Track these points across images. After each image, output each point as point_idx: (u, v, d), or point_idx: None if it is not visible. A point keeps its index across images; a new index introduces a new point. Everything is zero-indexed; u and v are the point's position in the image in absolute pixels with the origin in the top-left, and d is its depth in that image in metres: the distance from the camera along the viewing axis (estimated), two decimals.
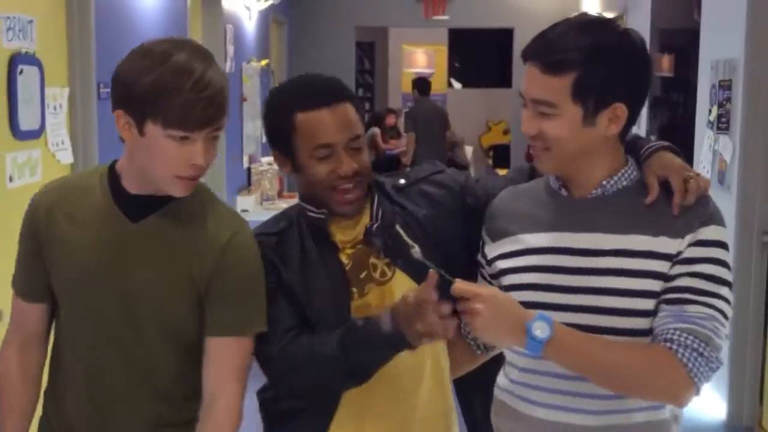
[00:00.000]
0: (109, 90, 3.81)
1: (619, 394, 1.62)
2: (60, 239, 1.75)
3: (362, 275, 1.85)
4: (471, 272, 1.83)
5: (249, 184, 6.79)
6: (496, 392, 1.80)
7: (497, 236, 1.78)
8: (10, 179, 3.03)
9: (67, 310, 1.80)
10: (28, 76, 3.11)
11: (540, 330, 1.53)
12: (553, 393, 1.66)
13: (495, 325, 1.56)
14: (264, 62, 7.44)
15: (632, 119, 1.66)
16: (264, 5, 7.19)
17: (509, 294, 1.68)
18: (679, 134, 6.17)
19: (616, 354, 1.56)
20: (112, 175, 1.77)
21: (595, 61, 1.59)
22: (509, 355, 1.76)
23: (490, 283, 1.80)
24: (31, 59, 3.14)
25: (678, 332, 1.55)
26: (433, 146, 9.28)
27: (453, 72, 14.83)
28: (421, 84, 10.00)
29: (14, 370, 1.86)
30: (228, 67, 6.13)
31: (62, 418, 1.85)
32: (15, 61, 3.03)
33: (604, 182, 1.67)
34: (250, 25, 7.02)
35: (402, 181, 1.92)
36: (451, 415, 1.92)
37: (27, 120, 3.12)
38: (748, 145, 4.44)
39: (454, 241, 1.87)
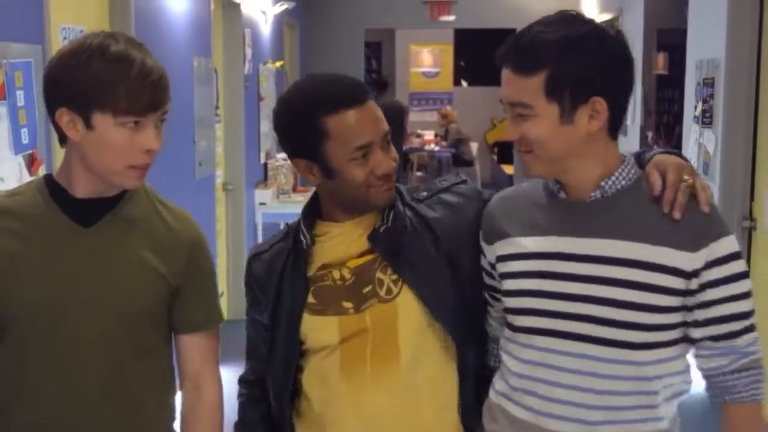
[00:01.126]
0: None
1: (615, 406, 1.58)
2: (8, 262, 1.66)
3: (366, 290, 1.76)
4: (475, 280, 1.80)
5: (265, 178, 7.11)
6: (492, 396, 1.74)
7: (493, 238, 1.72)
8: None
9: (22, 333, 1.67)
10: None
11: None
12: (551, 401, 1.62)
13: None
14: (279, 63, 7.76)
15: (617, 113, 1.59)
16: (279, 10, 7.50)
17: (509, 299, 1.66)
18: (673, 130, 6.47)
19: None
20: (51, 187, 1.71)
21: (566, 57, 1.53)
22: (508, 361, 1.70)
23: (494, 292, 1.77)
24: None
25: (737, 377, 1.58)
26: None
27: (459, 71, 15.12)
28: (379, 82, 10.59)
29: None
30: (246, 68, 6.43)
31: None
32: None
33: (603, 183, 1.60)
34: (266, 28, 7.33)
35: (424, 193, 1.86)
36: None
37: None
38: (729, 138, 4.75)
39: (462, 245, 1.79)
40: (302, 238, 1.78)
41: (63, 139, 1.68)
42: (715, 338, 1.57)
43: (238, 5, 6.22)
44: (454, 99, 14.66)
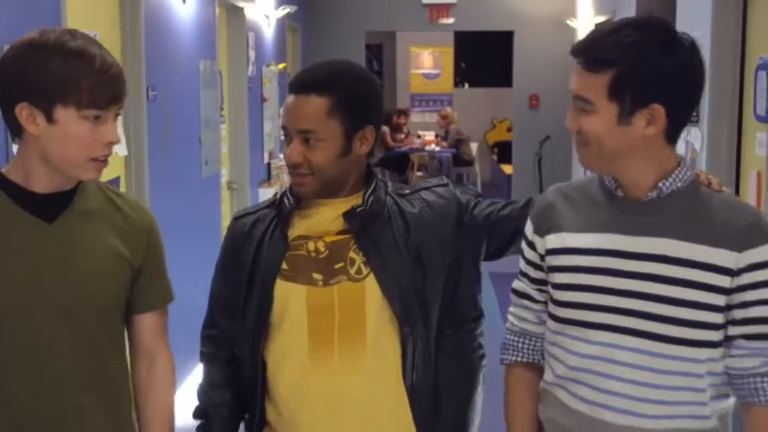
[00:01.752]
0: (156, 92, 4.38)
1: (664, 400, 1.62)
2: None
3: (337, 266, 1.83)
4: (437, 279, 1.86)
5: (269, 177, 7.30)
6: (544, 385, 1.78)
7: (546, 231, 1.74)
8: None
9: None
10: None
11: None
12: (605, 393, 1.65)
13: None
14: (281, 65, 7.93)
15: (677, 121, 1.62)
16: (281, 14, 7.68)
17: (561, 293, 1.69)
18: None
19: None
20: (3, 185, 1.69)
21: (633, 61, 1.56)
22: (558, 352, 1.73)
23: (540, 284, 1.79)
24: None
25: (766, 380, 1.60)
26: None
27: (459, 72, 15.29)
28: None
29: None
30: (250, 70, 6.61)
31: None
32: None
33: (660, 184, 1.63)
34: (269, 32, 7.51)
35: (407, 190, 1.95)
36: None
37: None
38: (714, 135, 4.94)
39: (431, 243, 1.86)
40: (285, 200, 1.88)
41: (17, 134, 1.67)
42: (749, 337, 1.60)
43: (242, 9, 6.41)
44: (454, 100, 14.85)
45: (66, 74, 1.59)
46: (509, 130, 13.53)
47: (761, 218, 1.63)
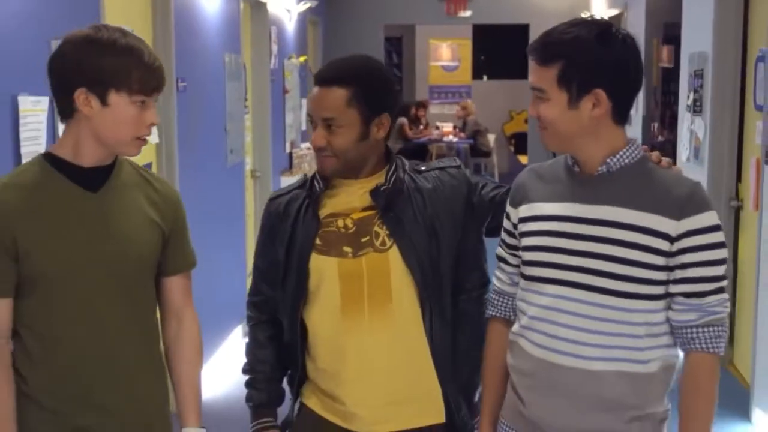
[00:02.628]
0: (185, 84, 4.60)
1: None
2: (32, 230, 1.87)
3: (364, 239, 2.08)
4: (450, 249, 2.10)
5: (290, 166, 7.50)
6: (510, 336, 2.00)
7: (519, 203, 1.99)
8: None
9: (48, 289, 1.89)
10: None
11: None
12: (556, 339, 1.88)
13: None
14: (302, 58, 8.13)
15: (620, 104, 1.85)
16: (302, 8, 7.86)
17: (528, 254, 1.92)
18: (676, 120, 6.75)
19: (705, 410, 1.84)
20: (51, 161, 1.93)
21: (575, 54, 1.81)
22: (522, 306, 1.96)
23: (513, 250, 2.01)
24: None
25: (701, 331, 1.83)
26: None
27: (478, 64, 15.41)
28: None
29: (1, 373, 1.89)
30: (272, 63, 6.80)
31: (65, 391, 1.92)
32: None
33: (608, 160, 1.86)
34: (290, 25, 7.70)
35: (423, 167, 2.18)
36: None
37: None
38: (716, 124, 5.11)
39: (444, 217, 2.10)
40: (316, 184, 2.14)
41: (68, 116, 1.91)
42: (687, 295, 1.83)
43: (264, 5, 6.61)
44: (472, 92, 15.01)
45: (120, 66, 1.86)
46: (527, 121, 13.67)
47: (699, 190, 1.84)
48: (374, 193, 2.09)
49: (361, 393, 2.11)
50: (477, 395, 2.20)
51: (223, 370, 4.78)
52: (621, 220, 1.83)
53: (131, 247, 1.97)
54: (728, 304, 1.86)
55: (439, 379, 2.13)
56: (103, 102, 1.87)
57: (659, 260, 1.82)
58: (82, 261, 1.91)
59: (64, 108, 1.92)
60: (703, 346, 1.84)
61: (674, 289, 1.85)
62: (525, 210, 1.97)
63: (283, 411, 2.27)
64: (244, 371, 2.27)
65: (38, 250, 1.87)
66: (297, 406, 2.24)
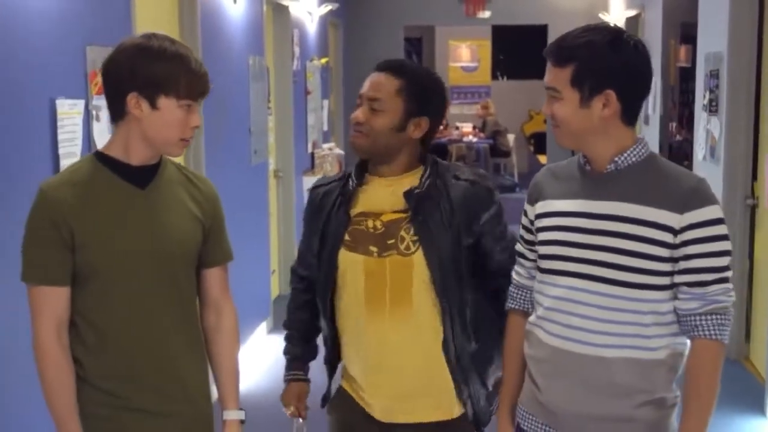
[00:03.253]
0: (212, 86, 4.71)
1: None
2: (88, 224, 1.99)
3: (390, 241, 2.20)
4: (468, 256, 2.23)
5: (312, 166, 7.61)
6: (527, 326, 2.10)
7: (535, 200, 2.09)
8: None
9: (103, 283, 2.01)
10: None
11: None
12: (569, 328, 1.97)
13: None
14: (324, 60, 8.24)
15: (630, 106, 1.95)
16: (324, 11, 7.97)
17: (543, 248, 2.02)
18: (692, 119, 6.81)
19: (706, 392, 1.92)
20: (103, 160, 2.05)
21: (588, 57, 1.92)
22: (539, 297, 2.06)
23: (530, 245, 2.11)
24: None
25: (704, 318, 1.91)
26: None
27: (497, 65, 15.46)
28: None
29: (63, 360, 2.00)
30: (295, 65, 6.92)
31: (119, 376, 2.04)
32: None
33: (616, 158, 1.96)
34: (312, 28, 7.81)
35: (458, 174, 2.26)
36: None
37: None
38: (731, 124, 5.16)
39: (468, 227, 2.22)
40: (350, 182, 2.28)
41: (119, 117, 2.02)
42: (690, 284, 1.91)
43: (287, 8, 6.73)
44: (492, 92, 15.07)
45: (170, 72, 1.97)
46: (546, 121, 13.65)
47: (703, 186, 1.93)
48: (408, 195, 2.21)
49: (377, 384, 2.26)
50: (491, 384, 2.33)
51: (248, 367, 4.90)
52: (628, 215, 1.92)
53: (177, 240, 2.08)
54: (732, 294, 1.94)
55: (458, 379, 2.26)
56: (153, 105, 1.98)
57: (664, 252, 1.91)
58: (133, 253, 2.02)
59: (116, 110, 2.03)
60: (706, 333, 1.92)
61: (678, 279, 1.93)
62: (541, 207, 2.08)
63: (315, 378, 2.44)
64: (285, 326, 2.48)
65: (93, 243, 1.99)
66: (335, 386, 2.40)
